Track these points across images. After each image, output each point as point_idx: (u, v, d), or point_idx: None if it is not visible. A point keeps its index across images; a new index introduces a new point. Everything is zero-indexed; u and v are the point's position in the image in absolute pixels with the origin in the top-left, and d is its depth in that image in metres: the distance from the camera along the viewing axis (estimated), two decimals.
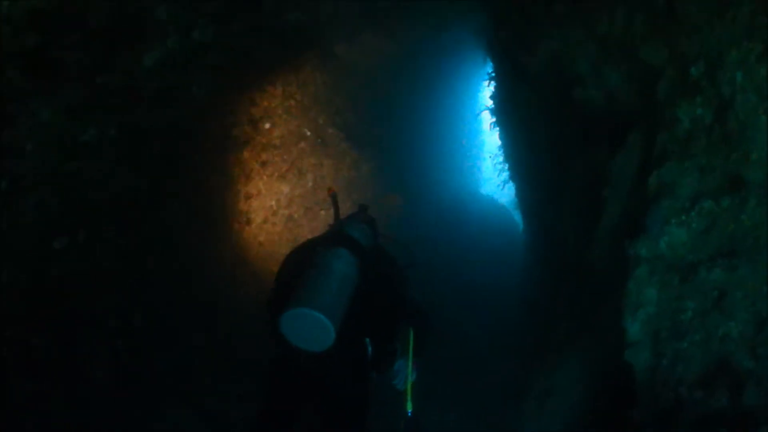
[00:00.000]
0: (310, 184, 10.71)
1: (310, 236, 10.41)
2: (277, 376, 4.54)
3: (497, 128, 11.82)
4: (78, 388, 6.04)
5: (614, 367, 4.50)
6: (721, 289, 3.88)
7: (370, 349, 4.43)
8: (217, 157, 7.83)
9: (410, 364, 4.91)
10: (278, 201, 10.08)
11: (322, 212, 10.79)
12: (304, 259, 4.31)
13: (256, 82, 8.04)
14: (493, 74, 10.37)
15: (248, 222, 9.41)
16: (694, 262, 3.97)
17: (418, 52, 12.32)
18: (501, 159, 13.28)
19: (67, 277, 5.77)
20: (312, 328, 3.85)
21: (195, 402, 6.86)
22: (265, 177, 9.62)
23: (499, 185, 14.27)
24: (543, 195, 8.00)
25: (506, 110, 9.85)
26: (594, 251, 5.32)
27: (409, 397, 4.82)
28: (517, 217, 14.95)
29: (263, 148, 9.25)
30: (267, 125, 9.17)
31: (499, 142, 12.93)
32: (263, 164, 9.44)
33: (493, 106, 11.46)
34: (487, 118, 13.71)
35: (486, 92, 14.38)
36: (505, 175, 13.05)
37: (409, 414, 4.78)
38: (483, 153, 21.71)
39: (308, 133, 10.48)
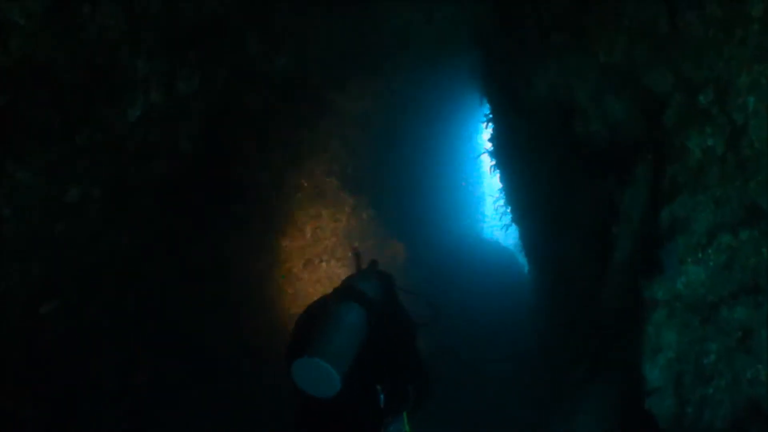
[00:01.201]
0: (309, 235, 10.51)
1: (310, 289, 10.43)
2: (299, 423, 4.78)
3: (497, 170, 11.66)
4: None
5: (635, 414, 4.25)
6: (746, 328, 3.68)
7: (382, 396, 4.65)
8: (211, 210, 7.63)
9: (405, 419, 5.15)
10: (276, 255, 9.88)
11: (323, 264, 10.58)
12: (317, 312, 4.65)
13: (248, 132, 7.84)
14: (491, 114, 10.23)
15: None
16: (714, 301, 3.76)
17: (412, 95, 12.20)
18: (502, 202, 13.06)
19: (58, 342, 5.55)
20: (319, 375, 4.16)
21: None
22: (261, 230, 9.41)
23: (501, 228, 13.96)
24: (548, 233, 7.79)
25: (506, 149, 9.69)
26: (606, 290, 5.10)
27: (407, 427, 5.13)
28: (521, 260, 14.86)
29: (259, 200, 9.03)
30: (263, 177, 8.99)
31: (500, 185, 12.73)
32: (260, 217, 9.22)
33: (492, 147, 11.28)
34: (486, 162, 13.62)
35: (484, 135, 14.27)
36: (508, 217, 12.81)
37: None
38: (484, 196, 21.53)
39: (305, 184, 10.30)
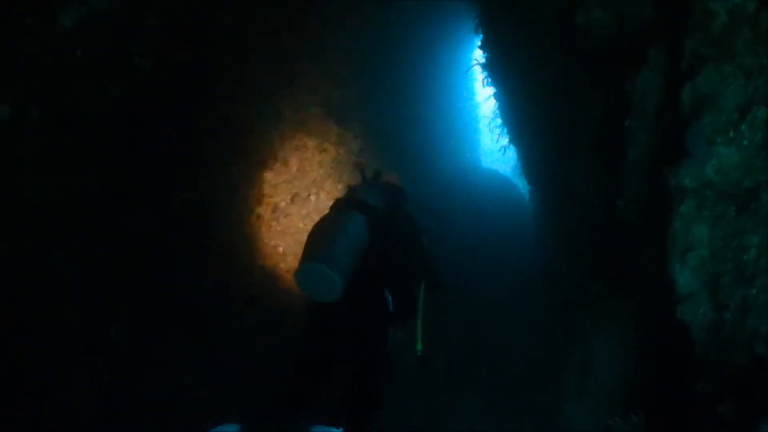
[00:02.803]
0: (295, 168, 10.04)
1: (300, 224, 10.02)
2: (310, 330, 5.05)
3: (490, 85, 11.09)
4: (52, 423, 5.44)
5: (664, 328, 3.85)
6: None
7: (390, 298, 4.95)
8: (185, 144, 7.12)
9: (420, 311, 5.42)
10: (260, 190, 9.43)
11: (312, 197, 10.14)
12: (320, 223, 4.93)
13: (221, 51, 7.27)
14: (480, 20, 9.63)
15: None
16: (752, 186, 3.32)
17: (395, 12, 11.63)
18: (498, 122, 12.49)
19: (14, 292, 5.13)
20: (321, 280, 4.46)
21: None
22: (243, 165, 8.93)
23: (499, 151, 13.39)
24: (551, 148, 7.32)
25: (499, 58, 9.11)
26: (623, 192, 4.66)
27: (419, 339, 5.38)
28: (522, 187, 14.61)
29: (238, 132, 8.52)
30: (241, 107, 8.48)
31: (494, 103, 12.17)
32: (241, 152, 8.73)
33: (484, 58, 10.67)
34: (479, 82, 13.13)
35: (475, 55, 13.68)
36: (505, 139, 12.28)
37: (419, 353, 5.35)
38: (478, 119, 20.91)
39: (287, 113, 9.80)
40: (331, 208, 5.20)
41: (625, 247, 4.95)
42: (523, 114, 8.92)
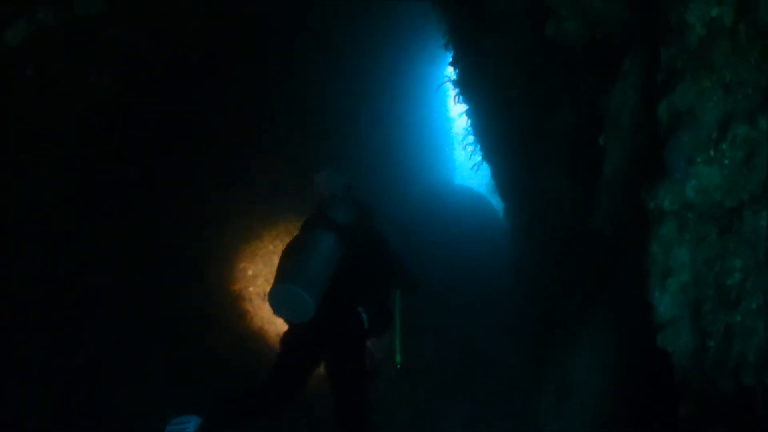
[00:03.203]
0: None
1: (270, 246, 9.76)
2: (285, 349, 5.15)
3: (462, 102, 10.92)
4: None
5: (645, 351, 3.67)
6: None
7: (365, 316, 5.07)
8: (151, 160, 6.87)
9: (398, 324, 5.74)
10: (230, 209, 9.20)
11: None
12: (291, 243, 5.04)
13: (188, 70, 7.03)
14: (449, 36, 9.46)
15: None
16: (734, 206, 3.14)
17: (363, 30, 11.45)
18: (471, 139, 12.32)
19: None
20: (293, 300, 4.55)
21: None
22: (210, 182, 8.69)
23: (472, 168, 13.22)
24: (524, 164, 7.15)
25: (469, 73, 8.92)
26: (597, 210, 4.48)
27: (398, 350, 5.71)
28: (496, 204, 14.47)
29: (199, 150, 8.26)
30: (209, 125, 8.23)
31: (466, 119, 12.01)
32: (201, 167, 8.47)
33: (455, 74, 10.50)
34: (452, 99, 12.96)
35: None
36: (478, 156, 12.12)
37: (399, 365, 5.71)
38: (452, 135, 20.75)
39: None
40: (302, 227, 5.30)
41: (602, 265, 4.80)
42: (494, 129, 8.76)
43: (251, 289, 9.17)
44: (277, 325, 8.20)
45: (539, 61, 5.63)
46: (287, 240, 5.21)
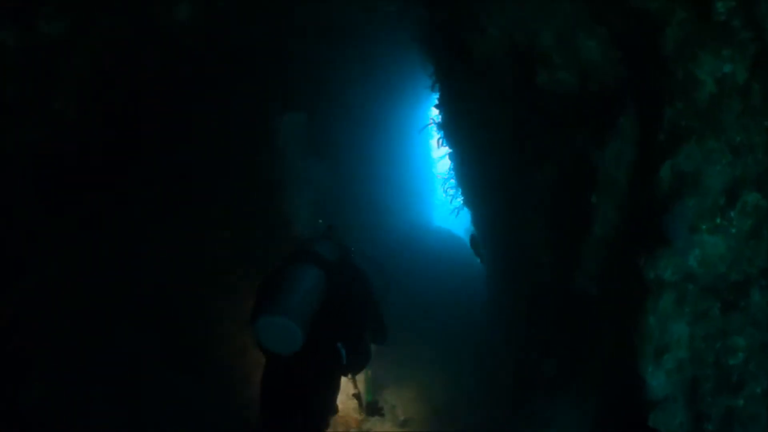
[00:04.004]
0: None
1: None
2: (266, 385, 5.16)
3: (446, 144, 10.70)
4: None
5: (633, 429, 3.37)
6: None
7: (343, 352, 5.03)
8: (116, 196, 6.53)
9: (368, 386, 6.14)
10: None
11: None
12: (276, 275, 4.96)
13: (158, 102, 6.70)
14: (435, 78, 9.23)
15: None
16: (740, 280, 2.87)
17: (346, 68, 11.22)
18: (452, 182, 12.09)
19: None
20: (282, 332, 4.54)
21: None
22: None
23: (452, 213, 12.99)
24: (506, 214, 6.88)
25: (454, 116, 8.70)
26: (582, 272, 4.21)
27: (368, 390, 6.14)
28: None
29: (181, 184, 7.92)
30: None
31: (449, 163, 11.79)
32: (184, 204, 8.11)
33: (440, 116, 10.27)
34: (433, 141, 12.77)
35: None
36: (459, 200, 11.88)
37: (369, 399, 6.12)
38: (433, 178, 20.57)
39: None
40: (285, 259, 5.21)
41: (584, 328, 4.51)
42: (476, 175, 8.51)
43: None
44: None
45: (526, 111, 5.39)
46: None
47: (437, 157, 15.59)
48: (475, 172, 8.52)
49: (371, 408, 6.24)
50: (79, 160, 5.45)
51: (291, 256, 5.22)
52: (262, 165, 9.21)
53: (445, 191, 12.51)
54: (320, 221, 5.88)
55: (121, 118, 5.89)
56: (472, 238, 8.76)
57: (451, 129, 9.57)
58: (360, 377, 5.98)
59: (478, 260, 12.04)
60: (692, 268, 2.92)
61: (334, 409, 5.54)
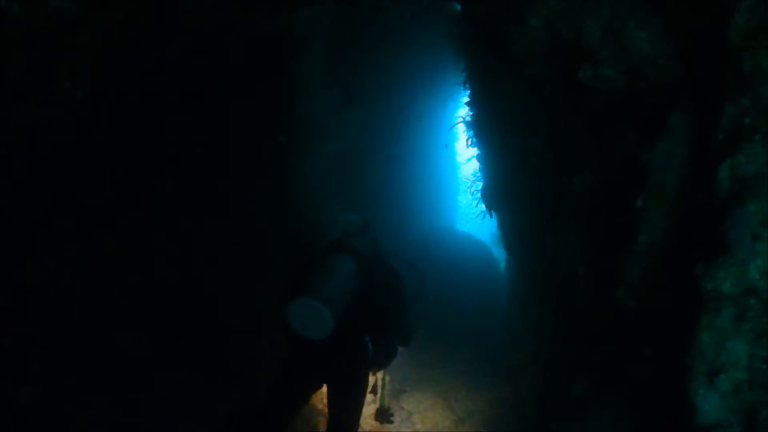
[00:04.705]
0: None
1: None
2: (289, 371, 5.25)
3: (475, 145, 10.45)
4: None
5: None
6: None
7: (370, 346, 5.16)
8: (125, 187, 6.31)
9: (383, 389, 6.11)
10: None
11: None
12: (312, 262, 5.12)
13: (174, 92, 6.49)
14: (467, 74, 8.99)
15: None
16: None
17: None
18: (480, 184, 11.84)
19: None
20: (314, 316, 4.60)
21: None
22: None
23: (477, 216, 12.74)
24: (538, 219, 6.63)
25: (486, 115, 8.44)
26: (622, 282, 3.95)
27: (383, 394, 6.12)
28: (497, 253, 14.19)
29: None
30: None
31: (477, 164, 11.54)
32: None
33: (470, 115, 10.01)
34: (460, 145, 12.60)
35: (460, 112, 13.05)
36: (484, 204, 11.64)
37: (382, 404, 6.15)
38: (458, 179, 20.31)
39: None
40: (322, 249, 5.40)
41: (620, 344, 4.25)
42: (507, 178, 8.26)
43: None
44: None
45: (565, 111, 5.14)
46: None
47: (464, 159, 15.33)
48: (506, 176, 8.28)
49: (381, 413, 6.22)
50: (85, 148, 5.21)
51: (327, 247, 5.40)
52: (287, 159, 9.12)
53: (471, 194, 12.26)
54: (354, 218, 5.95)
55: (135, 105, 5.66)
56: None
57: (481, 129, 9.33)
58: (378, 376, 6.03)
59: (502, 267, 11.88)
60: (754, 281, 2.65)
61: (360, 410, 5.47)
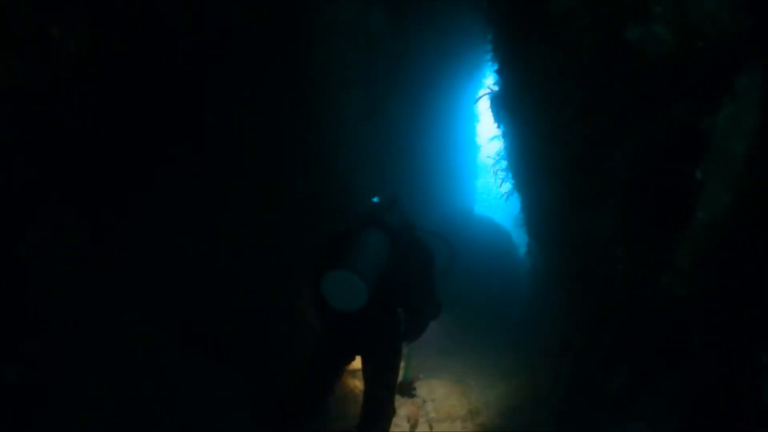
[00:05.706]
0: None
1: None
2: (324, 336, 5.61)
3: (500, 121, 10.05)
4: None
5: None
6: None
7: (402, 318, 5.39)
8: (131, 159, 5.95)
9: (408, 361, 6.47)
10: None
11: None
12: (343, 235, 5.27)
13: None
14: (494, 43, 8.58)
15: None
16: None
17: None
18: (503, 165, 11.45)
19: None
20: (348, 288, 4.72)
21: None
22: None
23: (500, 199, 12.37)
24: (570, 196, 6.25)
25: (516, 86, 8.05)
26: (672, 266, 3.59)
27: (407, 366, 6.46)
28: (517, 236, 14.21)
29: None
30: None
31: (500, 144, 11.16)
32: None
33: (497, 87, 9.59)
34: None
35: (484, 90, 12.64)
36: (508, 184, 11.27)
37: (406, 378, 6.49)
38: (474, 164, 19.98)
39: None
40: (353, 223, 5.50)
41: (666, 334, 3.90)
42: (535, 157, 7.88)
43: None
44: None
45: (607, 77, 4.76)
46: None
47: (485, 139, 14.96)
48: (534, 153, 7.91)
49: (404, 387, 6.44)
50: (78, 113, 4.78)
51: (358, 221, 5.45)
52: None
53: (495, 173, 11.87)
54: (375, 198, 5.98)
55: (144, 66, 5.25)
56: None
57: (509, 102, 8.95)
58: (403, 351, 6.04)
59: (523, 252, 11.59)
60: None
61: (396, 382, 5.71)
